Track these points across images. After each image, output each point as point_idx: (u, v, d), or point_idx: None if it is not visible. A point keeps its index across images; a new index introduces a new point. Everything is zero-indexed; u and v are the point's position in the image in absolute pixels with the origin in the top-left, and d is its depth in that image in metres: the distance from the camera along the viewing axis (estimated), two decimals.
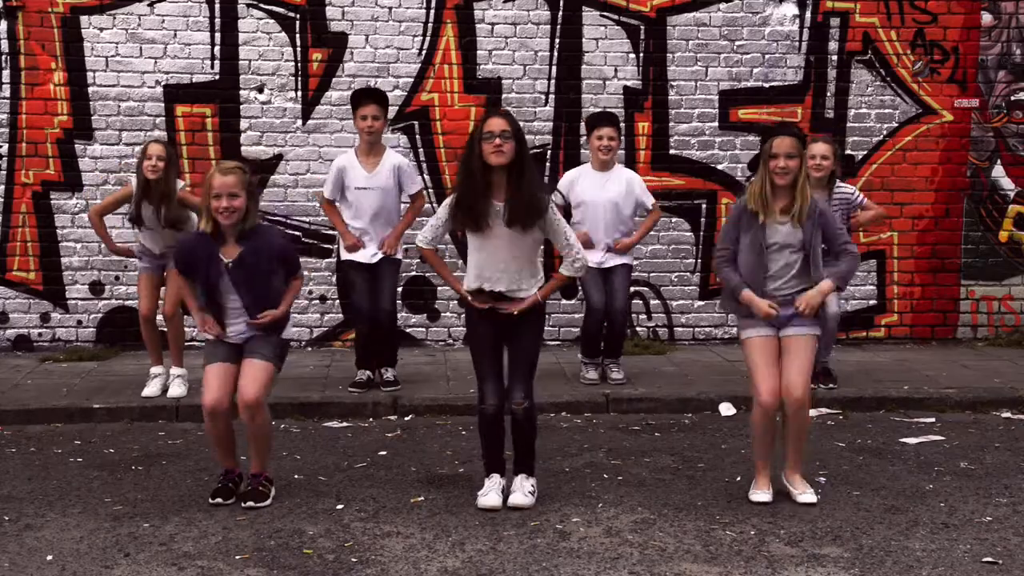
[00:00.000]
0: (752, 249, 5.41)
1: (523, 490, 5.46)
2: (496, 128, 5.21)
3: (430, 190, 9.04)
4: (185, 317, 7.52)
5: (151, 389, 7.48)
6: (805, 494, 5.47)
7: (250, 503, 5.41)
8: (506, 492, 5.47)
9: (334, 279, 9.08)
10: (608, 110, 8.61)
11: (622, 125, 9.10)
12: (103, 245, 8.86)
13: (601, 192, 7.65)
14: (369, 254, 7.50)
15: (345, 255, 7.60)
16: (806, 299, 5.35)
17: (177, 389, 7.47)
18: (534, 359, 5.54)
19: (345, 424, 7.16)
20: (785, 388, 5.43)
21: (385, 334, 7.71)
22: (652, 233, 9.25)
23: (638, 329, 9.33)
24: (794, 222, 5.36)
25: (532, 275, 5.41)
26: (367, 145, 7.44)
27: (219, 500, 5.45)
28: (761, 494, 5.49)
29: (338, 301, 9.09)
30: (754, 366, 5.48)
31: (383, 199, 7.48)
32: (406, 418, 7.29)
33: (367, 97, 7.50)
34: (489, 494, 5.43)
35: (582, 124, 8.51)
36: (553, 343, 9.06)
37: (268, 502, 5.45)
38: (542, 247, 5.56)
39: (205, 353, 5.55)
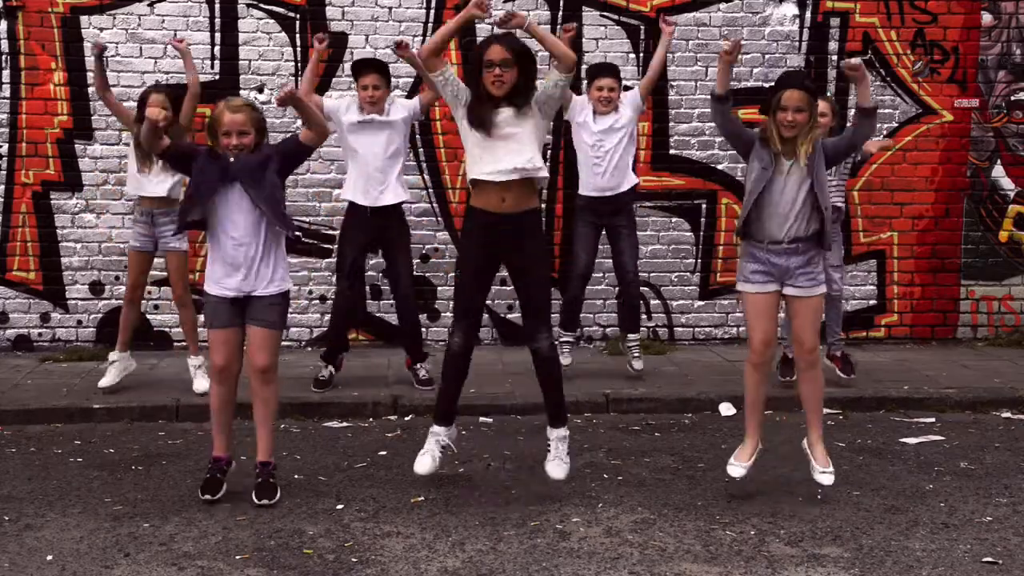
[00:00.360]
0: (760, 164, 5.43)
1: (560, 455, 5.53)
2: (496, 56, 5.28)
3: (430, 190, 9.05)
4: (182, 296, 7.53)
5: (108, 379, 7.41)
6: (825, 473, 5.48)
7: (264, 500, 5.41)
8: (449, 444, 5.61)
9: (334, 279, 9.06)
10: (609, 61, 8.50)
11: None
12: (102, 245, 8.92)
13: (602, 124, 7.59)
14: (375, 195, 7.38)
15: (349, 196, 7.42)
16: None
17: (202, 383, 7.33)
18: (547, 290, 5.62)
19: (345, 424, 7.16)
20: (796, 342, 5.56)
21: (408, 318, 7.67)
22: (652, 233, 9.28)
23: None
24: (800, 161, 5.38)
25: (537, 159, 5.42)
26: (368, 112, 7.42)
27: (208, 496, 5.44)
28: (738, 467, 5.55)
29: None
30: (750, 315, 5.56)
31: (390, 134, 7.40)
32: (406, 418, 7.29)
33: (367, 66, 7.50)
34: (424, 457, 5.50)
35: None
36: None
37: (279, 495, 5.46)
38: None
39: (206, 315, 5.55)
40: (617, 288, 8.21)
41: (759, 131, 5.53)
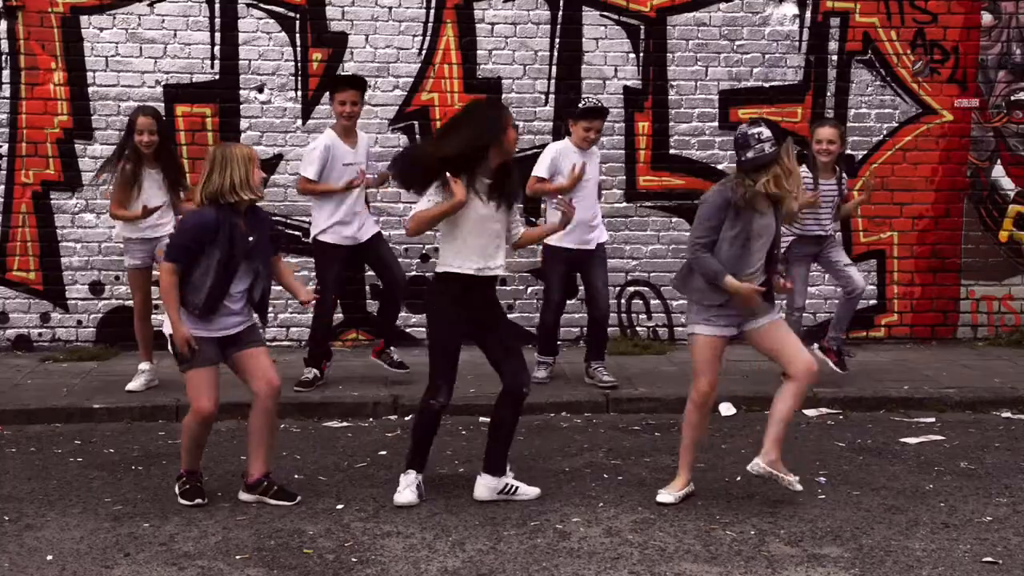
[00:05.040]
0: (737, 241, 5.35)
1: (487, 485, 5.51)
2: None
3: None
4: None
5: (136, 383, 7.57)
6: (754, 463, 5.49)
7: (298, 499, 5.47)
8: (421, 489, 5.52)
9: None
10: (601, 105, 8.00)
11: (621, 125, 9.13)
12: (102, 245, 8.90)
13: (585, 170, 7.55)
14: (354, 230, 7.58)
15: (329, 238, 7.56)
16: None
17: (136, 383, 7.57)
18: (520, 343, 5.78)
19: (345, 424, 7.16)
20: (805, 364, 5.41)
21: (397, 307, 7.99)
22: (652, 233, 9.27)
23: (638, 329, 9.32)
24: (775, 214, 5.39)
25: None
26: (343, 129, 7.60)
27: (198, 500, 5.45)
28: (668, 495, 5.47)
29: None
30: (701, 361, 5.43)
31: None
32: (406, 418, 7.27)
33: (345, 83, 7.68)
34: (404, 491, 5.46)
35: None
36: None
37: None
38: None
39: (186, 358, 5.33)
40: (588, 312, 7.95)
41: (726, 188, 5.39)
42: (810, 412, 7.24)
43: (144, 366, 7.64)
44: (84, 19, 8.80)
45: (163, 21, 8.86)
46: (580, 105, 7.68)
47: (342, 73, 8.41)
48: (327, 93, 8.88)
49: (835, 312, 8.03)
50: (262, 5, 8.90)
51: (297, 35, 8.94)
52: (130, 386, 7.55)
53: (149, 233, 7.39)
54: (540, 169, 7.58)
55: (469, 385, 7.67)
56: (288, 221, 8.99)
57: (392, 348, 7.83)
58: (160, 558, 4.77)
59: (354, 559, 4.76)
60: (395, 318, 8.01)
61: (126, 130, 7.44)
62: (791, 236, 7.39)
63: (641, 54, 9.15)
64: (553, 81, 9.11)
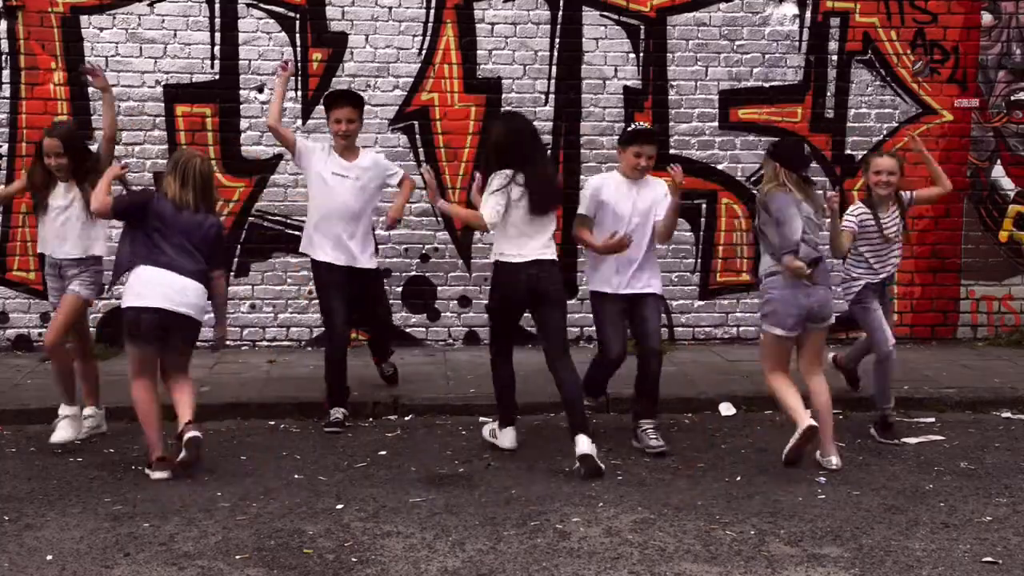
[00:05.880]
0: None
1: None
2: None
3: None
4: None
5: (67, 433, 6.49)
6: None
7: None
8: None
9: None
10: (650, 128, 7.11)
11: (621, 125, 9.12)
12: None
13: (631, 203, 6.48)
14: (348, 258, 6.99)
15: (322, 257, 6.97)
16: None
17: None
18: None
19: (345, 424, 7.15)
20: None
21: (385, 337, 7.82)
22: None
23: None
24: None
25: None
26: (341, 148, 7.06)
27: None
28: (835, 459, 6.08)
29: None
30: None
31: (360, 195, 7.02)
32: (406, 418, 7.28)
33: (341, 99, 7.09)
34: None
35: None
36: None
37: None
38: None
39: None
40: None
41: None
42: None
43: (89, 411, 6.74)
44: (84, 19, 8.80)
45: (163, 21, 8.86)
46: (628, 128, 6.71)
47: (338, 88, 8.05)
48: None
49: (873, 385, 6.95)
50: (262, 5, 8.89)
51: (297, 35, 8.94)
52: (58, 438, 6.45)
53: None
54: (581, 207, 6.62)
55: (469, 385, 7.69)
56: (288, 221, 8.98)
57: (384, 363, 7.80)
58: (160, 558, 4.77)
59: (354, 559, 4.76)
60: (383, 343, 7.74)
61: (35, 151, 6.69)
62: (859, 283, 6.75)
63: (641, 54, 9.15)
64: (553, 81, 9.11)
